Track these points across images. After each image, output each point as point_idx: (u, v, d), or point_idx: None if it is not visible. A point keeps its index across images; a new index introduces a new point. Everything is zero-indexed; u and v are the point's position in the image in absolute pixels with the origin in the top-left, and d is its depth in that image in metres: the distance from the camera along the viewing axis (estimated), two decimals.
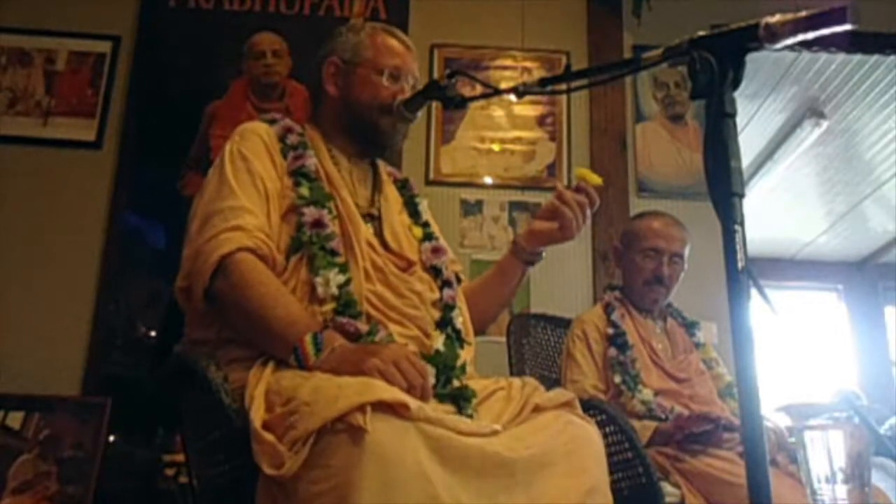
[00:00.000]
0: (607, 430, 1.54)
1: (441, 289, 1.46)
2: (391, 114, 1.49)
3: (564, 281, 2.94)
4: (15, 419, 2.53)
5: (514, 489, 1.09)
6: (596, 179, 1.47)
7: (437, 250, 1.51)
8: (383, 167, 1.62)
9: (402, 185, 1.64)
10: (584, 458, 1.21)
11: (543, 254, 1.57)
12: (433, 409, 1.13)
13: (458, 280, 1.54)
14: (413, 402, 1.06)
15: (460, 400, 1.26)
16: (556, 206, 1.46)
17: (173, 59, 3.08)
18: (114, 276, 2.82)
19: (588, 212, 1.46)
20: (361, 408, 1.02)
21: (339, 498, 0.99)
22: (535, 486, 1.11)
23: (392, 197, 1.57)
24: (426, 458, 1.03)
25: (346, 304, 1.29)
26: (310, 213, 1.35)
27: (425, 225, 1.57)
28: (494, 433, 1.15)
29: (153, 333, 2.78)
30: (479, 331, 1.56)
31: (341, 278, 1.30)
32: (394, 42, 1.55)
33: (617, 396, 2.03)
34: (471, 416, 1.23)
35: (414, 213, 1.58)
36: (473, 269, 2.75)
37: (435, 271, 1.48)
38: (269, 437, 1.06)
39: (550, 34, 3.21)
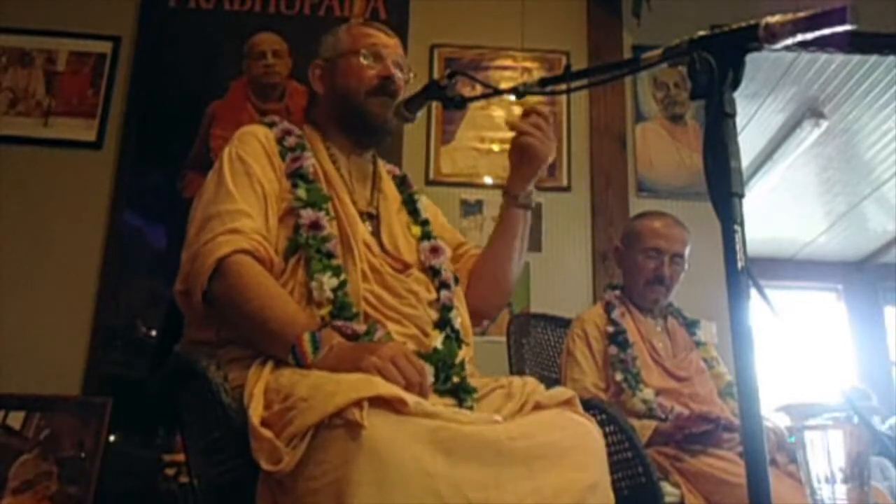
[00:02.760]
0: (607, 429, 1.54)
1: (439, 290, 1.45)
2: (378, 94, 1.49)
3: (564, 281, 2.94)
4: (15, 419, 2.54)
5: (519, 479, 1.08)
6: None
7: (435, 250, 1.51)
8: (382, 164, 1.62)
9: (401, 182, 1.64)
10: (585, 455, 1.20)
11: (533, 197, 1.56)
12: (433, 403, 1.13)
13: (457, 281, 1.54)
14: (410, 398, 1.06)
15: (460, 393, 1.26)
16: (518, 143, 1.48)
17: (173, 59, 3.08)
18: (114, 276, 2.82)
19: (548, 127, 1.47)
20: (358, 403, 1.02)
21: (336, 494, 0.99)
22: (539, 477, 1.11)
23: (391, 196, 1.57)
24: (425, 452, 1.02)
25: (341, 307, 1.29)
26: (307, 214, 1.35)
27: (424, 224, 1.57)
28: (495, 423, 1.15)
29: (153, 333, 2.78)
30: (503, 299, 1.60)
31: (335, 281, 1.30)
32: (368, 28, 1.57)
33: (617, 395, 2.03)
34: (471, 409, 1.24)
35: (413, 212, 1.58)
36: None
37: (433, 272, 1.48)
38: (267, 433, 1.06)
39: (550, 34, 3.21)
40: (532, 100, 1.44)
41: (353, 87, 1.50)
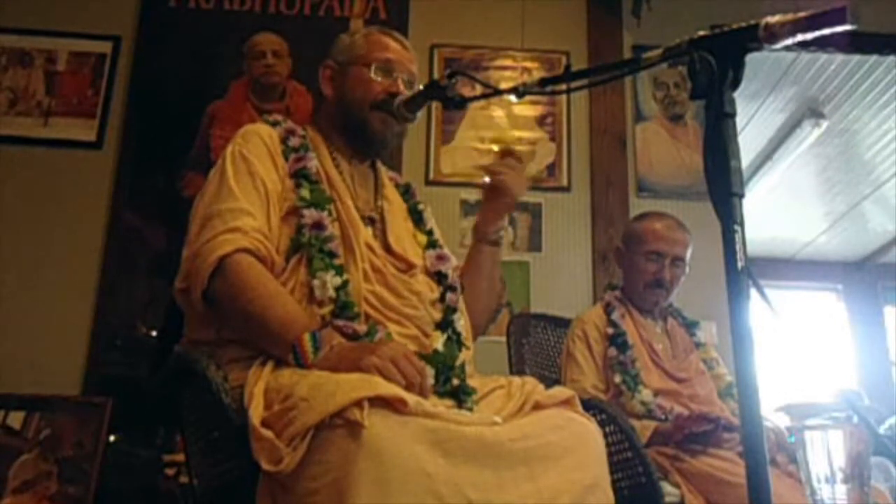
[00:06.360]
0: (607, 429, 1.54)
1: (444, 291, 1.46)
2: (381, 110, 1.48)
3: (564, 281, 2.94)
4: (15, 419, 2.53)
5: (519, 480, 1.09)
6: (511, 136, 1.56)
7: (441, 258, 1.52)
8: (384, 171, 1.62)
9: (405, 191, 1.65)
10: (585, 455, 1.21)
11: (502, 233, 1.62)
12: (433, 404, 1.13)
13: (462, 288, 1.54)
14: (411, 398, 1.06)
15: (460, 394, 1.27)
16: (493, 183, 1.55)
17: (173, 59, 3.08)
18: (114, 276, 2.82)
19: (521, 168, 1.58)
20: (359, 403, 1.02)
21: (336, 494, 0.99)
22: (539, 477, 1.11)
23: (395, 202, 1.58)
24: (425, 452, 1.03)
25: (343, 306, 1.29)
26: (310, 215, 1.36)
27: (430, 233, 1.58)
28: (495, 424, 1.15)
29: (153, 333, 2.78)
30: (477, 331, 1.56)
31: (338, 280, 1.30)
32: (387, 39, 1.56)
33: (617, 396, 2.03)
34: (471, 410, 1.24)
35: (419, 221, 1.59)
36: None
37: (439, 276, 1.49)
38: (267, 433, 1.06)
39: (550, 34, 3.21)
40: (524, 109, 1.48)
41: (359, 97, 1.50)
